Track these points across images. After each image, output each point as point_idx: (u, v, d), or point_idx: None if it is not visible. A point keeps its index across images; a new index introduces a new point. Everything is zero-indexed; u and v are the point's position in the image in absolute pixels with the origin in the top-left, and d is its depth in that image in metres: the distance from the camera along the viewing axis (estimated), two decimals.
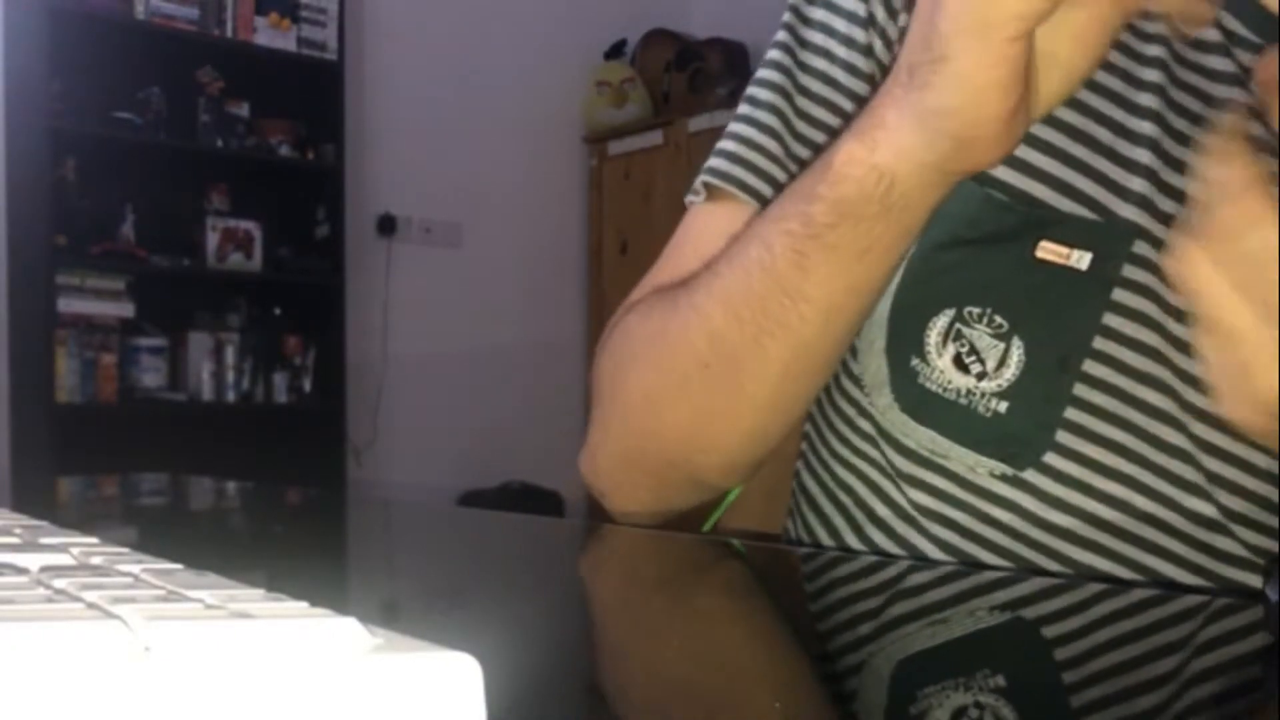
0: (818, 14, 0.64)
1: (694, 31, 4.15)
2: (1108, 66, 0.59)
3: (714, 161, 0.66)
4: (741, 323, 0.57)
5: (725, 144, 0.66)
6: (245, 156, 3.42)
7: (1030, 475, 0.58)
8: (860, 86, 0.62)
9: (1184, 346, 0.56)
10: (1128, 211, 0.57)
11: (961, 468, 0.60)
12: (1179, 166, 0.57)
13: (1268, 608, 0.34)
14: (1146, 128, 0.58)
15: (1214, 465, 0.56)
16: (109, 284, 3.19)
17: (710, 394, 0.60)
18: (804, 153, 0.63)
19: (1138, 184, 0.57)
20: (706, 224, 0.66)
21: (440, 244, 3.88)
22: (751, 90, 0.66)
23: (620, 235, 4.00)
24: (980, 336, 0.58)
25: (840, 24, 0.63)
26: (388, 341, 3.74)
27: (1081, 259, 0.57)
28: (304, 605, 0.21)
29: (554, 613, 0.42)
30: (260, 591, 0.22)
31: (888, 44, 0.62)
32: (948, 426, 0.59)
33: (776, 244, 0.55)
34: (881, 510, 0.63)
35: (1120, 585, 0.54)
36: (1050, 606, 0.43)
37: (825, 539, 0.67)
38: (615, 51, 4.15)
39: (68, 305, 3.10)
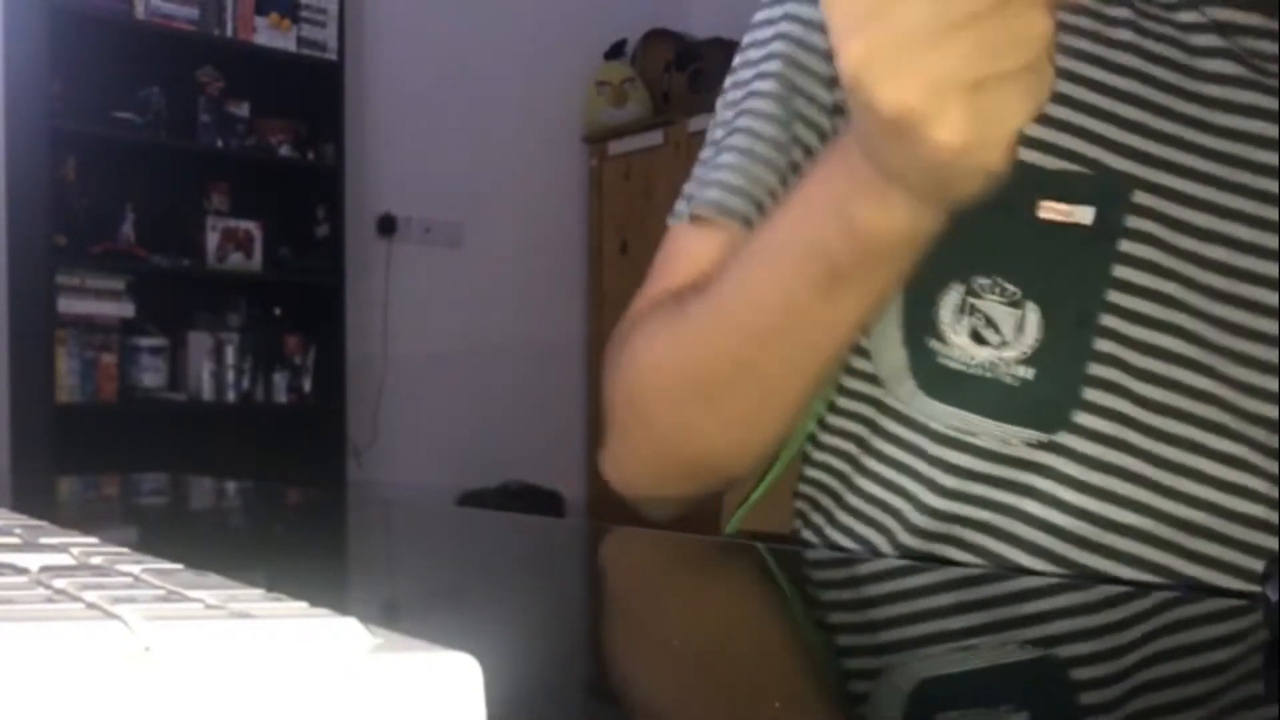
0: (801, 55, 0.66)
1: (694, 31, 4.15)
2: (1074, 30, 0.60)
3: (709, 192, 0.66)
4: (768, 350, 0.58)
5: (718, 174, 0.66)
6: (245, 156, 3.42)
7: (1063, 438, 0.58)
8: (822, 120, 0.64)
9: (1197, 286, 0.56)
10: (1120, 164, 0.57)
11: (993, 442, 0.59)
12: (1169, 114, 0.58)
13: (1268, 607, 0.34)
14: (1127, 84, 0.58)
15: (1245, 403, 0.56)
16: (109, 284, 3.19)
17: (739, 409, 0.61)
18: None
19: (1127, 138, 0.58)
20: (698, 245, 0.67)
21: (440, 244, 3.88)
22: (744, 121, 0.66)
23: (620, 235, 4.00)
24: (993, 306, 0.59)
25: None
26: (388, 341, 3.74)
27: (1084, 214, 0.57)
28: (304, 605, 0.21)
29: (554, 613, 0.42)
30: (260, 591, 0.22)
31: None
32: (974, 402, 0.59)
33: (799, 289, 0.55)
34: (918, 492, 0.62)
35: (1115, 585, 0.54)
36: (1050, 607, 0.43)
37: (863, 540, 0.67)
38: (615, 51, 4.15)
39: (68, 305, 3.10)
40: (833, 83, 0.64)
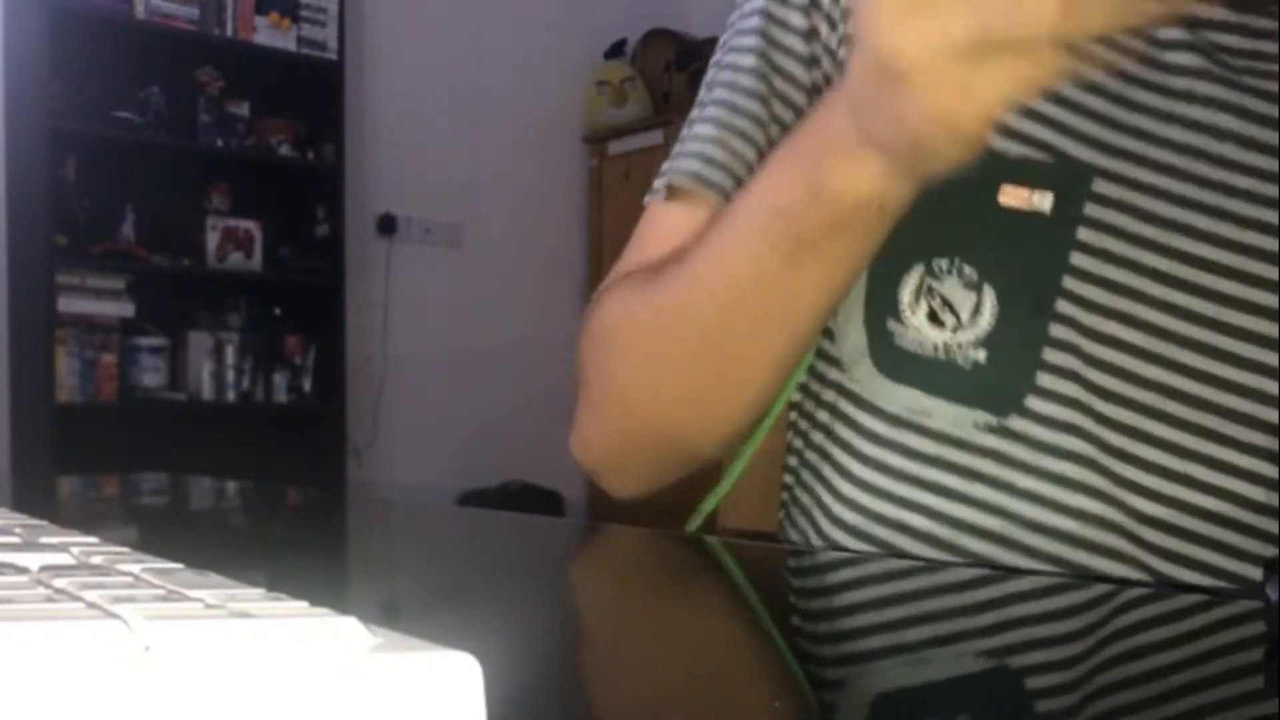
0: (771, 27, 0.66)
1: (694, 31, 4.15)
2: None
3: (686, 164, 0.66)
4: (737, 319, 0.59)
5: (696, 146, 0.66)
6: (245, 156, 3.42)
7: (1014, 422, 0.58)
8: (800, 98, 0.65)
9: (1154, 275, 0.56)
10: (1081, 153, 0.57)
11: (945, 423, 0.60)
12: (1132, 105, 0.58)
13: (1268, 607, 0.34)
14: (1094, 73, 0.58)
15: (1188, 386, 0.56)
16: (109, 284, 3.19)
17: (707, 380, 0.61)
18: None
19: (1090, 127, 0.58)
20: (674, 219, 0.67)
21: (440, 244, 3.88)
22: (721, 94, 0.67)
23: (620, 235, 3.96)
24: (951, 289, 0.59)
25: (793, 40, 0.65)
26: (388, 341, 3.74)
27: (1044, 200, 0.57)
28: (304, 605, 0.21)
29: (554, 613, 0.42)
30: (260, 591, 0.22)
31: (830, 55, 0.64)
32: (928, 382, 0.60)
33: (766, 256, 0.55)
34: (859, 471, 0.63)
35: (1117, 584, 0.54)
36: (1047, 605, 0.43)
37: (804, 522, 0.67)
38: (615, 51, 4.16)
39: (68, 305, 3.10)
40: (811, 62, 0.65)
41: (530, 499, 3.66)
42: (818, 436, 0.67)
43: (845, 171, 0.51)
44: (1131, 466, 0.57)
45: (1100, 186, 0.57)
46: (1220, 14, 0.59)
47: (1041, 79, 0.43)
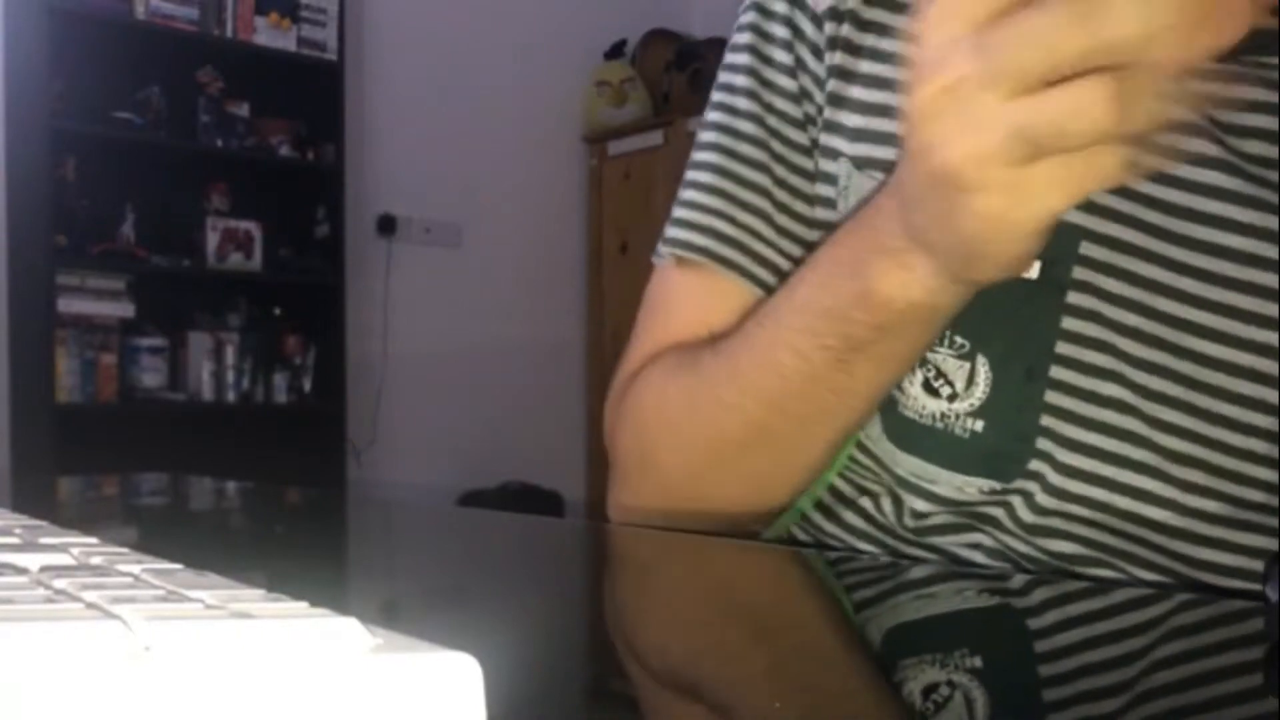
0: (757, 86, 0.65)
1: (694, 31, 4.16)
2: None
3: (688, 235, 0.66)
4: (785, 414, 0.58)
5: (696, 215, 0.66)
6: (245, 156, 3.42)
7: (1019, 485, 0.58)
8: (804, 161, 0.64)
9: (1135, 334, 0.56)
10: (1069, 214, 0.57)
11: (951, 490, 0.60)
12: None
13: (1268, 608, 0.34)
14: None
15: (1170, 443, 0.56)
16: (109, 284, 3.19)
17: (756, 469, 0.62)
18: (790, 225, 0.64)
19: None
20: (687, 289, 0.67)
21: (440, 244, 3.88)
22: (719, 159, 0.66)
23: (620, 235, 4.00)
24: (944, 359, 0.58)
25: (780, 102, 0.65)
26: (388, 341, 3.74)
27: (1031, 268, 0.56)
28: (304, 605, 0.21)
29: (554, 613, 0.42)
30: (260, 591, 0.22)
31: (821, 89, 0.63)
32: (930, 452, 0.60)
33: (815, 356, 0.55)
34: (879, 536, 0.63)
35: (1120, 585, 0.54)
36: (1049, 605, 0.43)
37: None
38: (615, 51, 4.16)
39: (68, 305, 3.10)
40: (800, 97, 0.64)
41: (530, 499, 3.66)
42: (836, 480, 0.67)
43: (895, 277, 0.50)
44: (1138, 526, 0.56)
45: (1087, 249, 0.56)
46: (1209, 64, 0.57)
47: (1099, 177, 0.40)
